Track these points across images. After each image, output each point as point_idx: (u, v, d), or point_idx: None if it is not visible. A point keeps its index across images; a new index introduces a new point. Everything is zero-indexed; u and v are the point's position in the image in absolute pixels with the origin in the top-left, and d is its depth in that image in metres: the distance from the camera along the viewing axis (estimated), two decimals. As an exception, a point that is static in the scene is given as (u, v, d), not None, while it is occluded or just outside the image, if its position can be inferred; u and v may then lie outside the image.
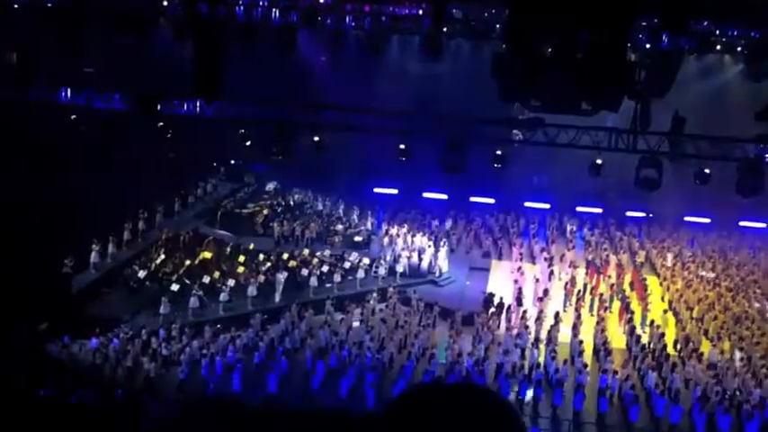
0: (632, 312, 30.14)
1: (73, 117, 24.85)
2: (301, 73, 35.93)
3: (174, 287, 29.48)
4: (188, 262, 31.98)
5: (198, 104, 23.25)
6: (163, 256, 32.20)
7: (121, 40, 30.70)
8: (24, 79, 26.60)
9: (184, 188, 39.62)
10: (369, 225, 38.21)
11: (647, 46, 23.60)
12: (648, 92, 20.52)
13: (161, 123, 26.76)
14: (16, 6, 29.31)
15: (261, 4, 29.26)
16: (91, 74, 32.80)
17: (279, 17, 27.01)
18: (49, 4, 28.72)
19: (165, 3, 28.03)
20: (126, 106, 23.31)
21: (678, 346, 28.17)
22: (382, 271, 32.78)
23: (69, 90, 23.76)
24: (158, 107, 23.42)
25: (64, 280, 28.45)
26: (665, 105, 22.75)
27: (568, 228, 40.20)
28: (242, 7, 26.76)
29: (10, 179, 30.91)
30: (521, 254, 36.18)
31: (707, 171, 24.00)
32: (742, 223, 39.31)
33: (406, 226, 37.88)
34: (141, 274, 30.53)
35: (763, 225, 38.50)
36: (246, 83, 27.82)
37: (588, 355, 27.09)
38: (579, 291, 32.27)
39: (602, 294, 32.13)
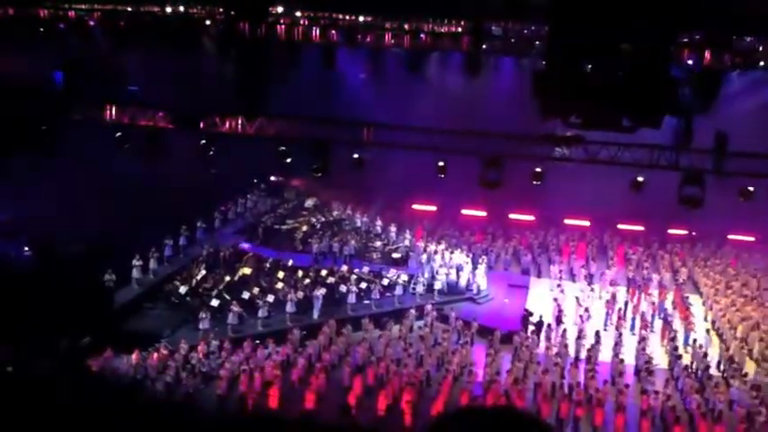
0: (675, 332, 29.68)
1: (117, 134, 25.29)
2: (341, 90, 36.19)
3: (214, 303, 29.71)
4: (228, 278, 32.23)
5: (239, 121, 23.52)
6: (203, 272, 32.51)
7: (164, 59, 31.34)
8: (70, 97, 27.14)
9: (225, 204, 40.03)
10: (407, 242, 38.20)
11: (690, 62, 23.40)
12: (691, 108, 20.31)
13: (203, 140, 27.14)
14: (62, 26, 30.08)
15: (302, 22, 29.66)
16: (135, 92, 33.41)
17: (319, 35, 27.32)
18: (92, 22, 29.43)
19: (208, 22, 28.55)
20: (169, 124, 23.65)
21: (722, 367, 27.68)
22: (420, 288, 32.71)
23: (114, 108, 24.19)
24: (200, 124, 23.73)
25: (106, 294, 28.83)
26: (708, 121, 22.50)
27: (609, 245, 39.84)
28: (283, 26, 27.13)
29: (54, 195, 31.52)
30: (560, 272, 35.89)
31: (750, 188, 23.62)
32: (788, 241, 38.59)
33: (444, 243, 37.80)
34: (182, 289, 30.82)
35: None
36: (287, 100, 28.11)
37: (629, 375, 26.71)
38: (620, 309, 31.89)
39: (643, 313, 31.71)
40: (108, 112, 24.18)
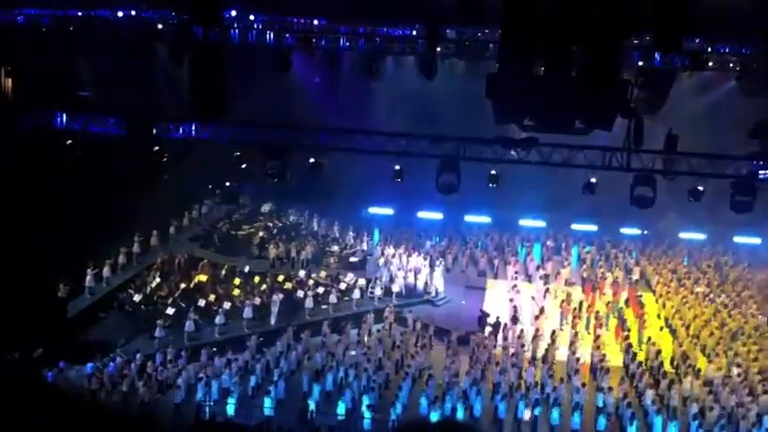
0: (629, 330, 30.12)
1: (69, 142, 24.82)
2: (296, 94, 36.01)
3: (170, 311, 29.35)
4: (183, 285, 31.85)
5: (193, 127, 23.26)
6: (158, 280, 32.09)
7: (117, 64, 30.84)
8: (20, 105, 26.58)
9: (180, 211, 39.54)
10: (364, 245, 38.17)
11: (640, 64, 23.74)
12: (641, 110, 20.57)
13: (156, 147, 26.80)
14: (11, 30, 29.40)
15: (255, 26, 29.44)
16: (86, 98, 32.82)
17: (273, 39, 27.15)
18: (44, 29, 28.84)
19: (161, 26, 28.19)
20: (121, 130, 23.29)
21: (675, 363, 28.16)
22: (378, 291, 32.74)
23: (65, 115, 23.74)
24: (153, 130, 23.42)
25: (59, 305, 28.28)
26: (659, 122, 22.84)
27: (563, 245, 40.25)
28: (237, 30, 26.91)
29: (4, 204, 30.84)
30: (516, 272, 36.17)
31: (700, 188, 24.05)
32: (736, 239, 39.39)
33: (401, 246, 37.86)
34: (137, 297, 30.40)
35: (757, 241, 38.52)
36: (241, 105, 27.90)
37: (585, 374, 27.04)
38: (575, 309, 32.25)
39: (598, 312, 32.12)
40: (59, 119, 23.71)
